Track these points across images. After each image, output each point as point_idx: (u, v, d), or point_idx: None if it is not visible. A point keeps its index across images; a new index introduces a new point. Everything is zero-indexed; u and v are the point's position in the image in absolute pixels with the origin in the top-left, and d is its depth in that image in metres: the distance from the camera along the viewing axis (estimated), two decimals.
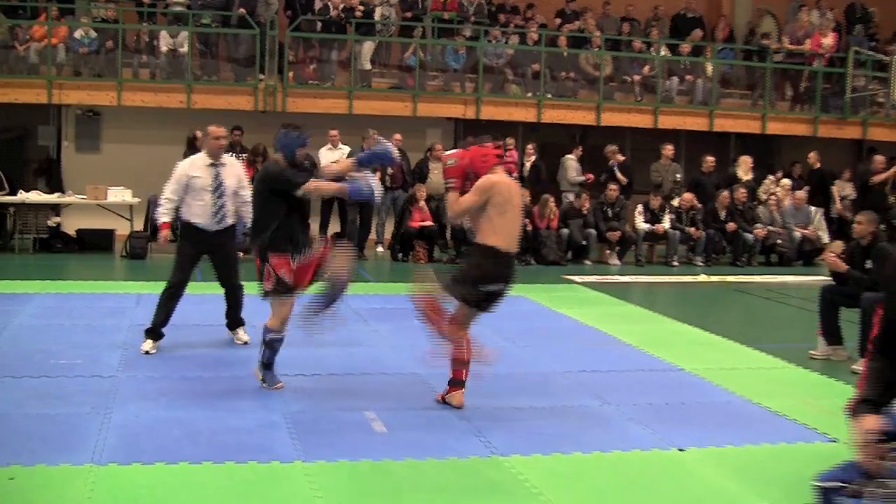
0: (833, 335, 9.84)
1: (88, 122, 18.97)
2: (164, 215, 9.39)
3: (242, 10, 18.46)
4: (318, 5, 19.22)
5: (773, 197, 18.72)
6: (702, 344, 10.45)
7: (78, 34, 17.97)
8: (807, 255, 18.32)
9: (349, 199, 7.33)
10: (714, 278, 16.05)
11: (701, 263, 17.68)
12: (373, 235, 17.51)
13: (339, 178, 7.83)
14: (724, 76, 21.25)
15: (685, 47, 20.86)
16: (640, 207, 17.87)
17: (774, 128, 20.83)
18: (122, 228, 16.74)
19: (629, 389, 8.29)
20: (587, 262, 17.28)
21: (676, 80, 20.55)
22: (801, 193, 18.67)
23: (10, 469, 5.81)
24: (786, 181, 19.20)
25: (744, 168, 19.03)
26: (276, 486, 5.75)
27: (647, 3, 22.06)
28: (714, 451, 6.65)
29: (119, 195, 16.67)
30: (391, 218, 17.62)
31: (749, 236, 17.91)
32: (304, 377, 8.23)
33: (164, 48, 18.26)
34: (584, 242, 17.38)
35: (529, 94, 19.71)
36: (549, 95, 19.70)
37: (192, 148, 16.53)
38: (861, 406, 4.12)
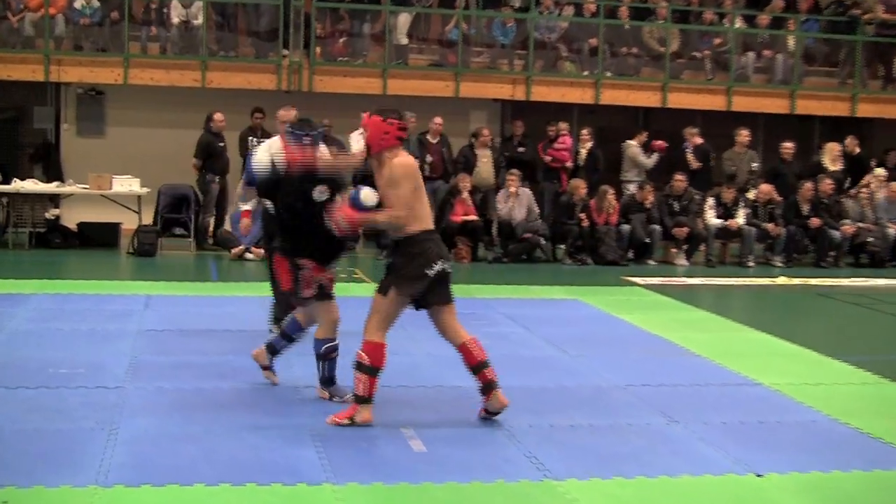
0: None
1: (91, 103, 19.12)
2: (246, 203, 9.74)
3: None
4: None
5: (864, 190, 18.59)
6: (781, 355, 10.39)
7: (78, 4, 18.14)
8: None
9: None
10: (795, 281, 15.97)
11: (780, 264, 17.61)
12: None
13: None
14: (808, 51, 21.13)
15: (763, 18, 20.78)
16: (711, 201, 17.80)
17: (866, 110, 20.71)
18: (128, 222, 16.88)
19: (699, 406, 8.25)
20: (650, 262, 17.25)
21: (753, 55, 20.47)
22: None
23: (4, 491, 5.87)
24: (879, 171, 19.05)
25: (830, 156, 18.93)
26: None
27: None
28: (797, 478, 6.61)
29: (125, 185, 16.77)
30: (430, 211, 17.59)
31: (835, 234, 17.82)
32: None
33: (175, 20, 18.39)
34: (647, 240, 17.36)
35: (586, 73, 19.69)
36: (609, 74, 19.67)
37: (208, 132, 16.72)
38: None
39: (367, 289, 13.50)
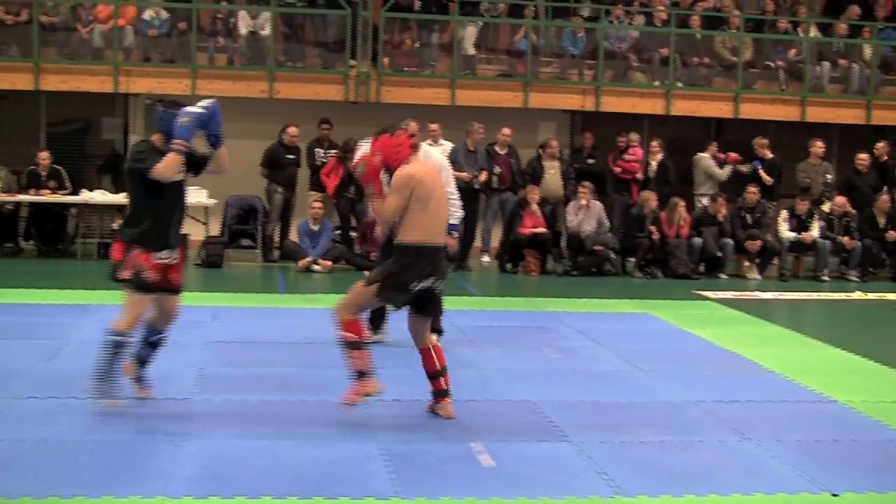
0: None
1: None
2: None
3: None
4: None
5: None
6: (857, 372, 10.29)
7: (147, 15, 18.34)
8: None
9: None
10: (871, 296, 15.81)
11: (856, 278, 17.42)
12: (477, 243, 17.59)
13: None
14: (886, 60, 20.89)
15: (839, 27, 20.58)
16: (784, 213, 17.67)
17: None
18: (196, 233, 16.99)
19: (772, 423, 8.19)
20: (722, 276, 17.13)
21: (828, 65, 20.28)
22: None
23: (72, 501, 5.95)
24: None
25: None
26: None
27: None
28: (874, 498, 6.55)
29: (193, 196, 16.84)
30: (499, 224, 17.67)
31: None
32: (402, 403, 8.28)
33: (243, 30, 18.55)
34: (719, 253, 17.25)
35: (657, 83, 19.62)
36: (680, 84, 19.59)
37: (280, 143, 16.92)
38: None
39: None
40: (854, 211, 17.75)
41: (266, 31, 18.43)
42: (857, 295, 15.89)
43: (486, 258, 17.79)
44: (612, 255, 17.01)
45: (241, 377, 9.01)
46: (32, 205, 17.16)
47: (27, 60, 17.83)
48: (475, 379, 9.28)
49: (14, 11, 18.08)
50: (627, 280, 16.71)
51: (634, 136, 18.40)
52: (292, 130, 17.07)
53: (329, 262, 16.10)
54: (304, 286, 14.93)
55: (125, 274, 7.80)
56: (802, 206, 17.61)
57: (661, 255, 16.85)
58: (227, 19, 18.77)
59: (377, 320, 10.23)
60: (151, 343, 8.16)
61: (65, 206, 17.15)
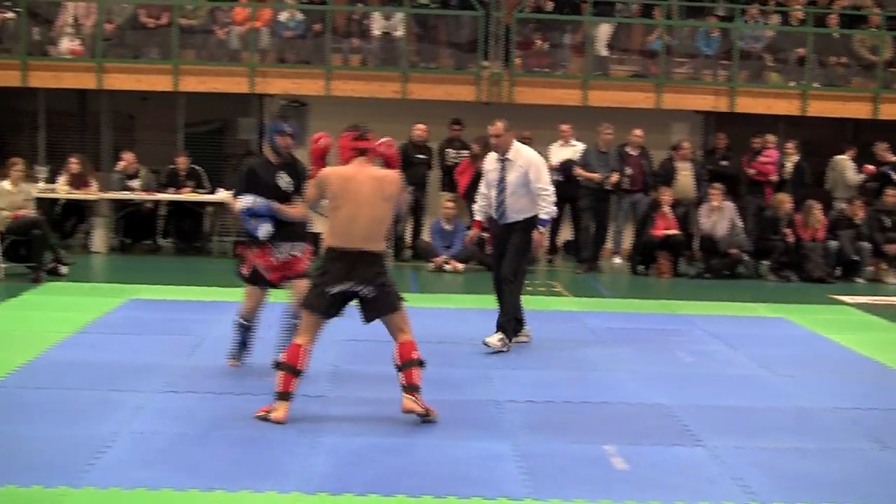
0: None
1: (293, 114, 19.52)
2: (476, 213, 10.77)
3: None
4: None
5: None
6: None
7: (283, 17, 18.59)
8: None
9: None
10: None
11: None
12: (609, 245, 17.52)
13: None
14: None
15: None
16: None
17: None
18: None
19: None
20: (859, 280, 16.81)
21: None
22: None
23: (211, 494, 6.07)
24: None
25: None
26: None
27: None
28: None
29: None
30: (630, 225, 17.59)
31: None
32: (535, 404, 8.30)
33: (376, 31, 18.70)
34: (856, 257, 16.94)
35: (792, 83, 19.31)
36: (817, 84, 19.25)
37: (410, 142, 17.03)
38: None
39: (567, 302, 13.56)
40: None
41: (399, 32, 18.56)
42: None
43: (617, 260, 17.71)
44: (746, 258, 16.80)
45: (374, 376, 9.03)
46: (171, 203, 17.56)
47: (167, 62, 18.22)
48: (607, 381, 9.26)
49: (155, 15, 18.49)
50: (761, 283, 16.46)
51: (771, 138, 18.14)
52: (420, 127, 17.16)
53: (460, 265, 16.11)
54: (435, 286, 14.98)
55: (244, 270, 9.09)
56: None
57: (796, 258, 16.60)
58: (361, 20, 18.95)
59: (518, 323, 10.35)
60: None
61: (202, 205, 17.49)
